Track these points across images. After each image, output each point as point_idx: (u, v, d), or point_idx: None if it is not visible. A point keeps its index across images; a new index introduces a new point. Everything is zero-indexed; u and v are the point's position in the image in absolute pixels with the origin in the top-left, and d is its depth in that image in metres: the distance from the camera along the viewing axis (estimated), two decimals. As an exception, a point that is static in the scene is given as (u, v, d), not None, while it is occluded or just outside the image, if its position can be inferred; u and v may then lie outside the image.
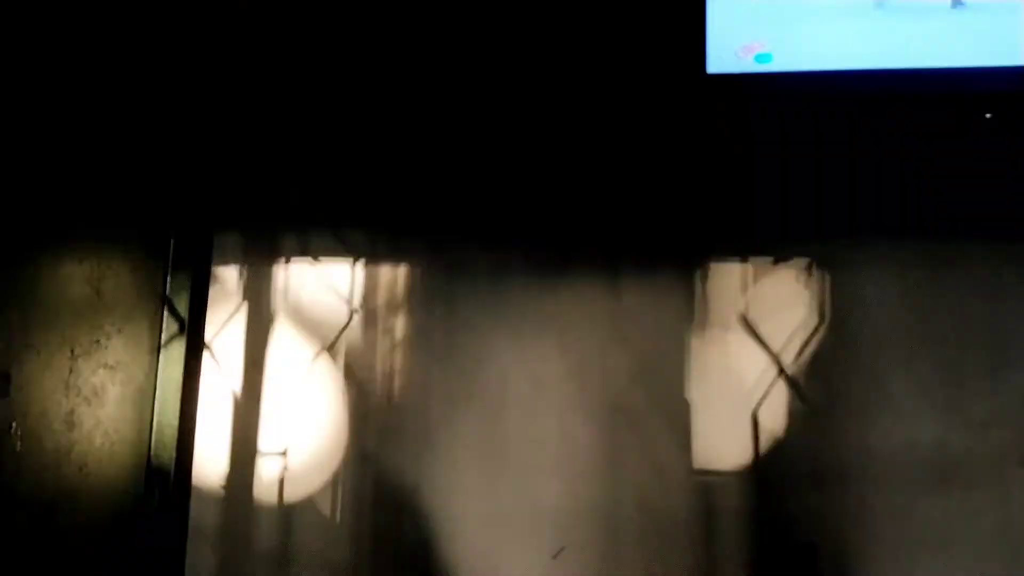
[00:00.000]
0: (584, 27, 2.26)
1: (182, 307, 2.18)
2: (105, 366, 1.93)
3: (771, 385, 2.04)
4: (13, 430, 1.65)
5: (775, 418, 2.03)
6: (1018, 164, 2.06)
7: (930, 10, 1.92)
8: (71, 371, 1.82)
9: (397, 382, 2.16)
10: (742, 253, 2.12)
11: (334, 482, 2.13)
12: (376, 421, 2.15)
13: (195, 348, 2.20)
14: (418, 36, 2.32)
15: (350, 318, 2.20)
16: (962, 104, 1.97)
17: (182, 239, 2.22)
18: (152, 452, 2.10)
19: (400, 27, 2.33)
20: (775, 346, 2.06)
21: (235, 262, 2.27)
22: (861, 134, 2.10)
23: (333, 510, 2.12)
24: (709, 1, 2.00)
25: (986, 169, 2.07)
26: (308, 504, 2.13)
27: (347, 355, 2.19)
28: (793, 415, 2.03)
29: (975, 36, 1.92)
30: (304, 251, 2.26)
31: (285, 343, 2.22)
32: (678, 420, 2.06)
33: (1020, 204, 2.05)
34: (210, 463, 2.18)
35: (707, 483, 2.02)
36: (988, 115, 1.93)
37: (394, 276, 2.21)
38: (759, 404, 2.04)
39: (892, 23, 1.96)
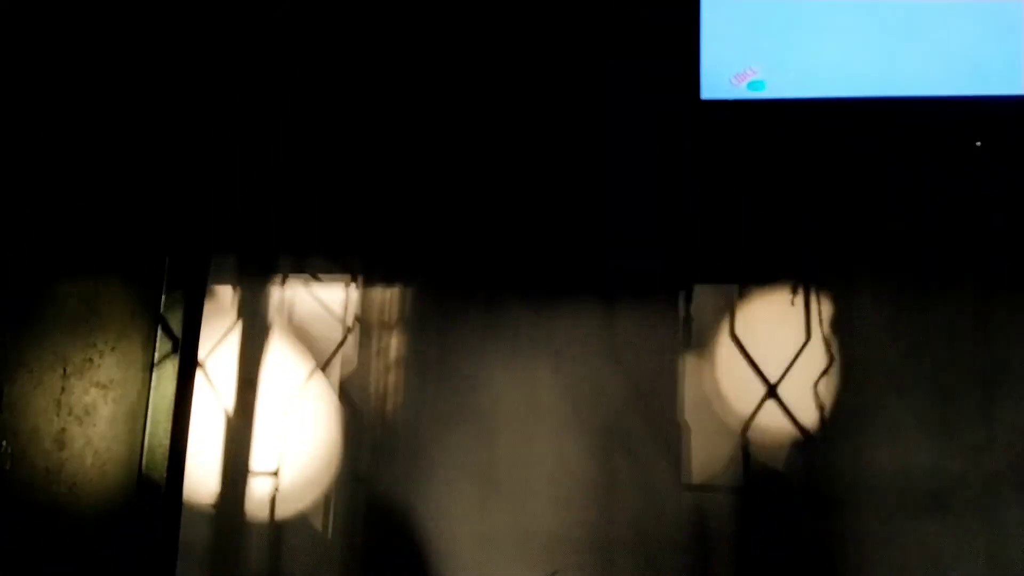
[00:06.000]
0: (579, 52, 2.28)
1: (176, 325, 2.18)
2: (97, 384, 1.92)
3: (764, 409, 2.04)
4: (3, 448, 1.64)
5: (768, 442, 2.03)
6: (1009, 191, 2.07)
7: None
8: (63, 389, 1.81)
9: (390, 403, 2.16)
10: (735, 277, 2.13)
11: (326, 502, 2.12)
12: (369, 441, 2.14)
13: (188, 367, 2.19)
14: (413, 60, 2.34)
15: (344, 338, 2.20)
16: (954, 132, 1.99)
17: (178, 258, 2.22)
18: (143, 471, 2.08)
19: (399, 52, 2.35)
20: (768, 370, 2.07)
21: (230, 281, 2.27)
22: (853, 161, 2.12)
23: (325, 530, 2.11)
24: (703, 29, 2.02)
25: (978, 196, 2.09)
26: (300, 524, 2.12)
27: (341, 375, 2.19)
28: (786, 439, 2.03)
29: (970, 65, 1.94)
30: (299, 271, 2.26)
31: (279, 362, 2.21)
32: (671, 443, 2.05)
33: (1011, 231, 2.06)
34: (202, 482, 2.17)
35: (700, 506, 2.01)
36: (978, 143, 1.95)
37: (388, 297, 2.22)
38: (752, 428, 2.04)
39: (886, 51, 1.98)
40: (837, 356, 2.05)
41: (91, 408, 1.90)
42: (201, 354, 2.23)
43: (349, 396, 2.17)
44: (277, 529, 2.12)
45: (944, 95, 1.93)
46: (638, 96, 2.23)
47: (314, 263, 2.26)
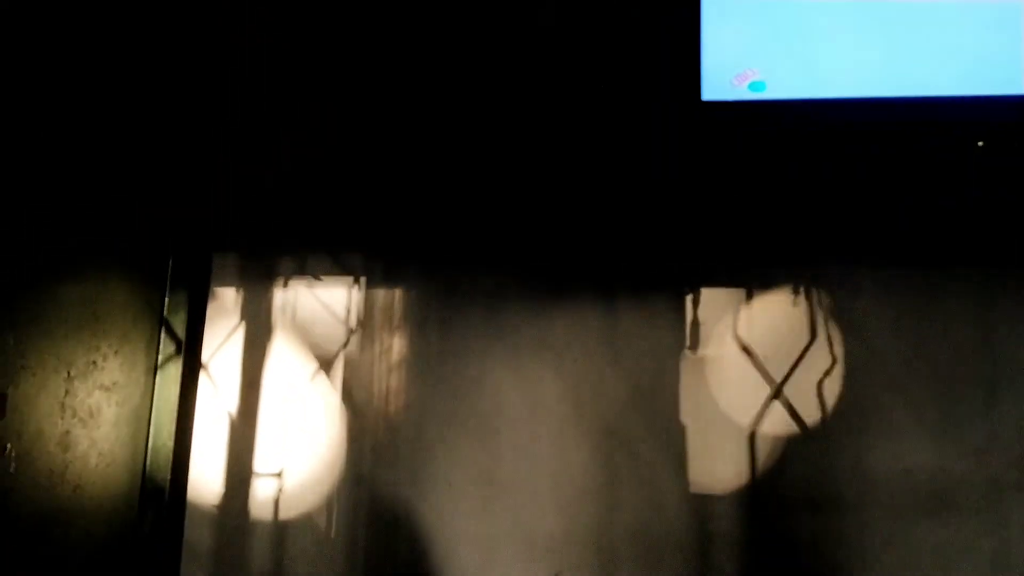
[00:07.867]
0: (581, 54, 2.28)
1: (179, 328, 2.19)
2: (101, 387, 1.93)
3: (766, 410, 2.04)
4: (7, 451, 1.65)
5: (770, 443, 2.03)
6: (1011, 191, 2.07)
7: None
8: (67, 392, 1.82)
9: (393, 404, 2.16)
10: (737, 278, 2.12)
11: (329, 504, 2.13)
12: (371, 442, 2.15)
13: (192, 369, 2.20)
14: (415, 60, 2.34)
15: (347, 340, 2.21)
16: (956, 132, 1.98)
17: (180, 260, 2.23)
18: (147, 473, 2.10)
19: (400, 52, 2.35)
20: (770, 370, 2.06)
21: (233, 283, 2.28)
22: (854, 161, 2.11)
23: (328, 532, 2.11)
24: (704, 30, 2.02)
25: (980, 197, 2.08)
26: (303, 525, 2.13)
27: (343, 377, 2.19)
28: (788, 440, 2.02)
29: (971, 65, 1.93)
30: (301, 273, 2.26)
31: (281, 364, 2.22)
32: (673, 444, 2.05)
33: (1012, 231, 2.06)
34: (205, 484, 2.18)
35: (702, 507, 2.01)
36: (980, 143, 1.94)
37: (391, 298, 2.22)
38: (754, 429, 2.04)
39: (885, 51, 1.97)
40: (839, 357, 2.05)
41: (95, 410, 1.91)
42: (204, 356, 2.23)
43: (352, 397, 2.18)
44: (280, 530, 2.13)
45: (945, 95, 1.93)
46: (641, 96, 2.23)
47: (316, 265, 2.27)
